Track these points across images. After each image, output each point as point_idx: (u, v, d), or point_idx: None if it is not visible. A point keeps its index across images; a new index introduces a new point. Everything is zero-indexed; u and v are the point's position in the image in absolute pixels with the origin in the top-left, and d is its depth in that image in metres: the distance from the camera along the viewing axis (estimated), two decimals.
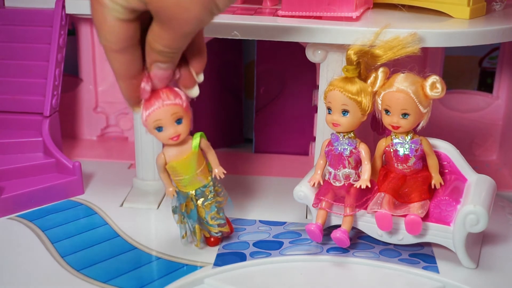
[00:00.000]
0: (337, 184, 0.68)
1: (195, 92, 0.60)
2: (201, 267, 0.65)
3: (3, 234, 0.72)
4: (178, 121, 0.61)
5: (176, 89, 0.61)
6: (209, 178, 0.67)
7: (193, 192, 0.66)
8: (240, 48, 0.98)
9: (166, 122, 0.60)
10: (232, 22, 0.70)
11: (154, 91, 0.59)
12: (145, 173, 0.83)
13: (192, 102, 0.63)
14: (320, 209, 0.68)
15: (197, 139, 0.64)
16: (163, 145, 0.64)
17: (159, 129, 0.61)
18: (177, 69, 0.58)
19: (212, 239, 0.69)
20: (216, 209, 0.67)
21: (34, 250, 0.68)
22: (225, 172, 0.66)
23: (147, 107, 0.59)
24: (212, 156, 0.66)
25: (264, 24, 0.70)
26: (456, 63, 1.03)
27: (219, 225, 0.68)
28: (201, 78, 0.60)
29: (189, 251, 0.68)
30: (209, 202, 0.67)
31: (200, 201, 0.66)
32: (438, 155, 0.69)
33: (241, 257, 0.67)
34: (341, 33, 0.69)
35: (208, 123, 0.97)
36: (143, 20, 0.53)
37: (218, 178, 0.66)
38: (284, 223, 0.75)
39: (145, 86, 0.57)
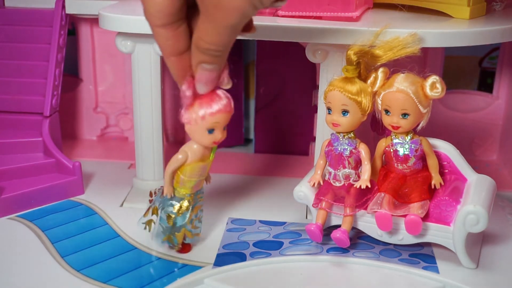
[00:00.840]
0: (337, 184, 0.68)
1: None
2: (201, 267, 0.65)
3: (3, 234, 0.72)
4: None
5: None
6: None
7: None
8: (240, 48, 0.98)
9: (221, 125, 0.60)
10: None
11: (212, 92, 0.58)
12: (145, 173, 0.83)
13: None
14: (320, 209, 0.68)
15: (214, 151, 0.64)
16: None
17: (211, 131, 0.60)
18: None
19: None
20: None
21: (34, 250, 0.68)
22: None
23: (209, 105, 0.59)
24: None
25: (264, 24, 0.70)
26: (456, 63, 1.03)
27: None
28: (230, 84, 0.60)
29: None
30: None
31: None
32: (438, 155, 0.69)
33: (241, 257, 0.67)
34: (341, 33, 0.69)
35: None
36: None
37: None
38: (284, 223, 0.75)
39: (186, 91, 0.57)
